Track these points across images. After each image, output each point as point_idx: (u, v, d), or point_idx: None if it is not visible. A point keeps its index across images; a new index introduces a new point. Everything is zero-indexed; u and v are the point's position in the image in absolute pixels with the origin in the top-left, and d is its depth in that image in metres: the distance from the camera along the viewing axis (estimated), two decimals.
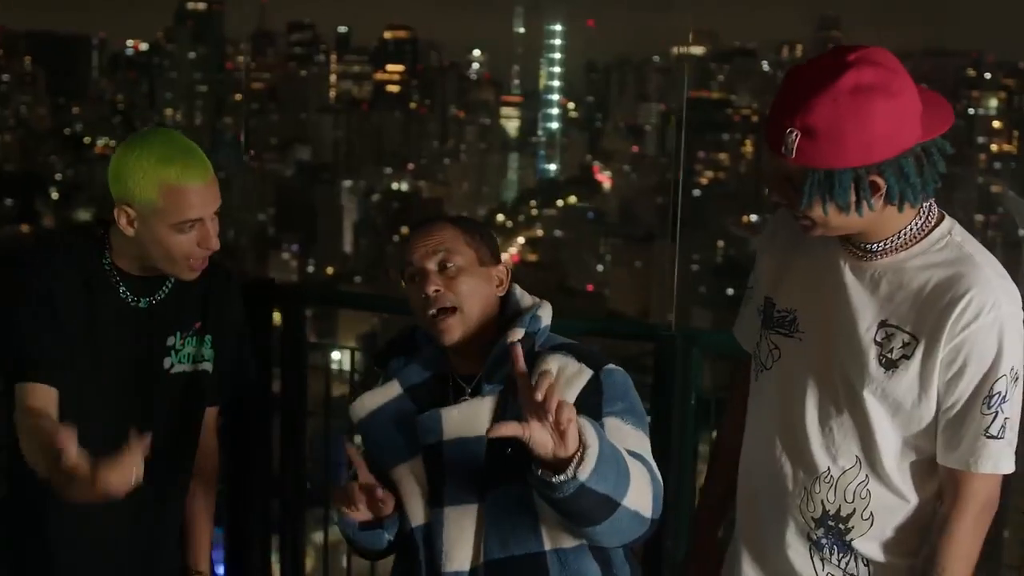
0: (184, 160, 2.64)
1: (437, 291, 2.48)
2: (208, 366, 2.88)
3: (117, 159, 2.66)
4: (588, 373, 2.44)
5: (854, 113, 2.15)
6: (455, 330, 2.48)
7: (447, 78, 69.77)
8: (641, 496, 2.32)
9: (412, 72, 69.38)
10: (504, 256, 2.56)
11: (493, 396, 2.46)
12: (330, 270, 60.61)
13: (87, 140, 64.76)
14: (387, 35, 69.85)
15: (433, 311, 2.49)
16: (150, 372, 2.79)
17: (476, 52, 70.07)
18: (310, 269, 60.75)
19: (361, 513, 2.45)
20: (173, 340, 2.81)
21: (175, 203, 2.64)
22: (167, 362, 2.81)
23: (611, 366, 2.45)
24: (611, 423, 2.41)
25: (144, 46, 67.95)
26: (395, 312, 3.40)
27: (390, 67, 69.46)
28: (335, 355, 3.88)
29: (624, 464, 2.27)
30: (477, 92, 69.65)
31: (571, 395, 2.41)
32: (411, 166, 67.44)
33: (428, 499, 2.48)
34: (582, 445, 2.16)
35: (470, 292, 2.49)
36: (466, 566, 2.44)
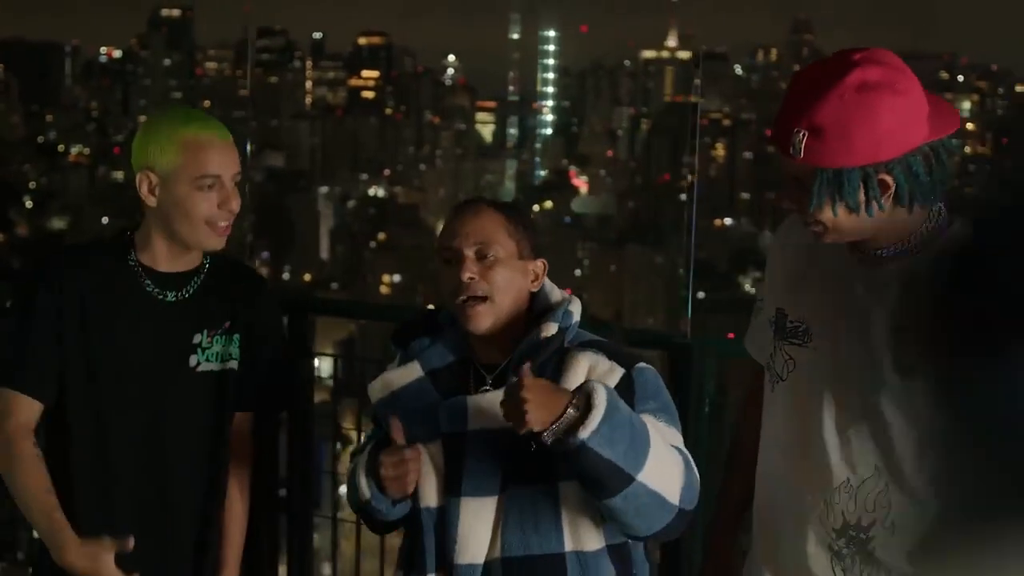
0: (203, 120, 2.71)
1: (472, 279, 2.46)
2: (234, 364, 2.85)
3: (139, 133, 2.72)
4: (620, 371, 2.44)
5: (861, 110, 2.15)
6: (484, 319, 2.47)
7: (422, 84, 70.46)
8: (665, 479, 2.32)
9: (387, 78, 70.15)
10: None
11: None
12: (307, 276, 61.00)
13: (61, 148, 64.87)
14: (361, 41, 70.91)
15: (464, 297, 2.48)
16: (175, 369, 2.79)
17: (451, 58, 71.30)
18: (285, 276, 60.89)
19: (408, 484, 2.43)
20: (200, 337, 2.80)
21: (195, 157, 2.68)
22: (193, 360, 2.80)
23: (642, 364, 2.46)
24: (645, 421, 2.38)
25: (118, 53, 68.22)
26: (388, 319, 3.45)
27: (365, 73, 70.17)
28: (315, 362, 3.77)
29: (643, 438, 2.29)
30: (452, 98, 70.38)
31: None
32: (387, 172, 67.92)
33: (444, 485, 2.47)
34: (588, 406, 2.22)
35: (505, 284, 2.48)
36: (480, 559, 2.43)
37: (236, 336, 2.87)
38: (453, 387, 2.51)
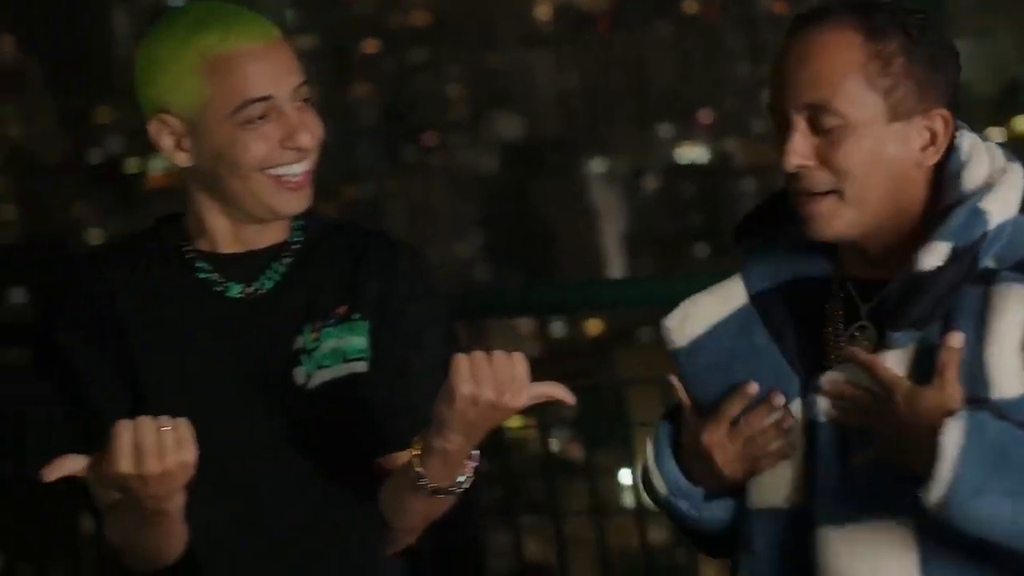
0: (224, 20, 2.60)
1: (804, 166, 2.25)
2: (362, 366, 2.69)
3: (139, 55, 2.64)
4: None
5: None
6: (836, 221, 2.26)
7: None
8: None
9: None
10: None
11: (908, 349, 2.25)
12: (595, 326, 54.44)
13: (131, 166, 59.07)
14: None
15: (799, 191, 2.28)
16: (268, 391, 2.69)
17: None
18: (558, 330, 54.59)
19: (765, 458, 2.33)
20: (302, 340, 2.68)
21: (225, 81, 2.55)
22: (299, 373, 2.67)
23: None
24: None
25: None
26: None
27: None
28: None
29: None
30: None
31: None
32: (706, 116, 62.85)
33: (798, 485, 2.34)
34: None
35: (865, 167, 2.23)
36: None
37: (361, 324, 2.71)
38: (796, 320, 2.35)
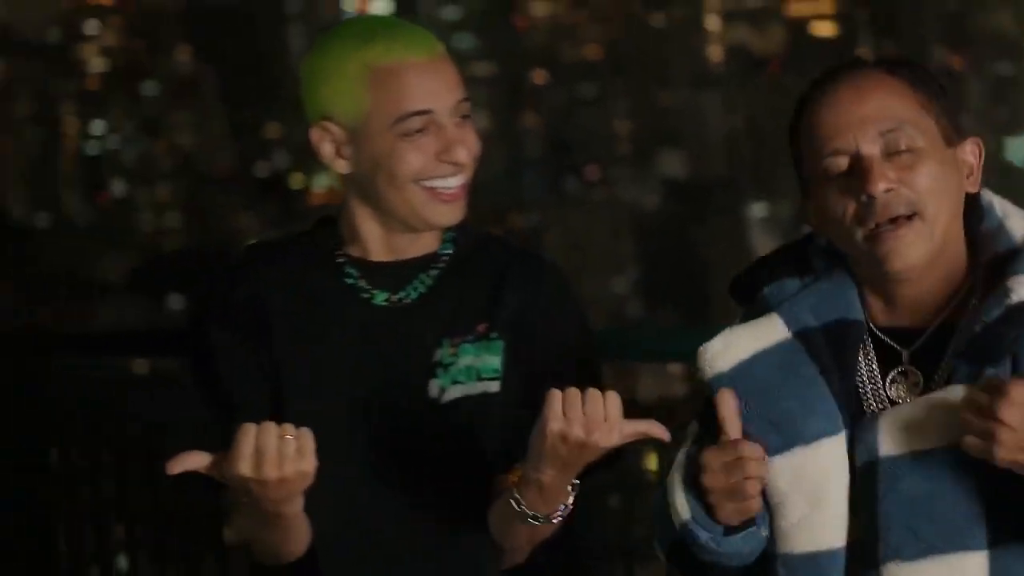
0: (390, 33, 2.63)
1: (890, 189, 2.24)
2: (495, 386, 2.70)
3: (306, 64, 2.65)
4: None
5: None
6: (916, 247, 2.25)
7: (923, 4, 59.65)
8: None
9: None
10: None
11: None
12: None
13: (297, 181, 59.25)
14: None
15: (879, 222, 2.25)
16: (407, 402, 2.69)
17: None
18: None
19: (752, 501, 2.28)
20: (440, 353, 2.70)
21: (387, 92, 2.58)
22: (434, 386, 2.69)
23: None
24: None
25: (381, 5, 61.36)
26: None
27: None
28: None
29: None
30: (986, 16, 58.57)
31: None
32: None
33: (847, 524, 2.29)
34: None
35: (939, 188, 2.26)
36: None
37: (497, 343, 2.72)
38: (837, 361, 2.31)
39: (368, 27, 2.63)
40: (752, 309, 2.38)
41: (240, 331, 2.66)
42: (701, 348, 2.33)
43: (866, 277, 2.30)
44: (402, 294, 2.67)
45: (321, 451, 2.58)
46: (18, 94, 57.97)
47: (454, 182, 2.59)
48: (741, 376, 2.31)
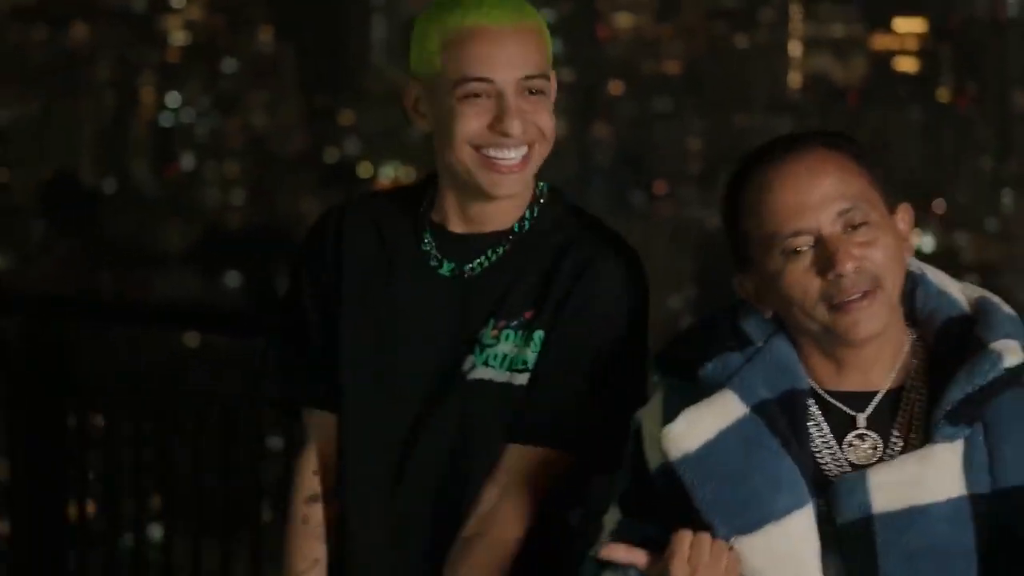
0: (480, 1, 2.66)
1: (858, 267, 2.30)
2: (523, 378, 2.71)
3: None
4: None
5: None
6: (878, 318, 2.32)
7: (1004, 38, 61.03)
8: None
9: (942, 32, 61.88)
10: None
11: (958, 444, 2.31)
12: None
13: (365, 170, 59.26)
14: None
15: (848, 298, 2.31)
16: (439, 371, 2.74)
17: None
18: None
19: None
20: (484, 332, 2.72)
21: (454, 55, 2.63)
22: (468, 361, 2.73)
23: None
24: None
25: None
26: None
27: (901, 24, 62.54)
28: None
29: None
30: None
31: None
32: (940, 206, 61.30)
33: None
34: None
35: (891, 260, 2.33)
36: None
37: (538, 333, 2.71)
38: (794, 431, 2.35)
39: None
40: (694, 386, 2.40)
41: (318, 273, 2.75)
42: (664, 430, 2.35)
43: (816, 345, 2.35)
44: (468, 267, 2.69)
45: (358, 401, 2.70)
46: (99, 60, 58.60)
47: (510, 154, 2.60)
48: (708, 456, 2.34)
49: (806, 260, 2.33)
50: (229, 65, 60.74)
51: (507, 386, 2.71)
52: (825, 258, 2.32)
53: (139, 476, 4.56)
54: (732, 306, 2.46)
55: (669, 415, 2.39)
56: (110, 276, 49.08)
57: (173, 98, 59.11)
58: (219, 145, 58.91)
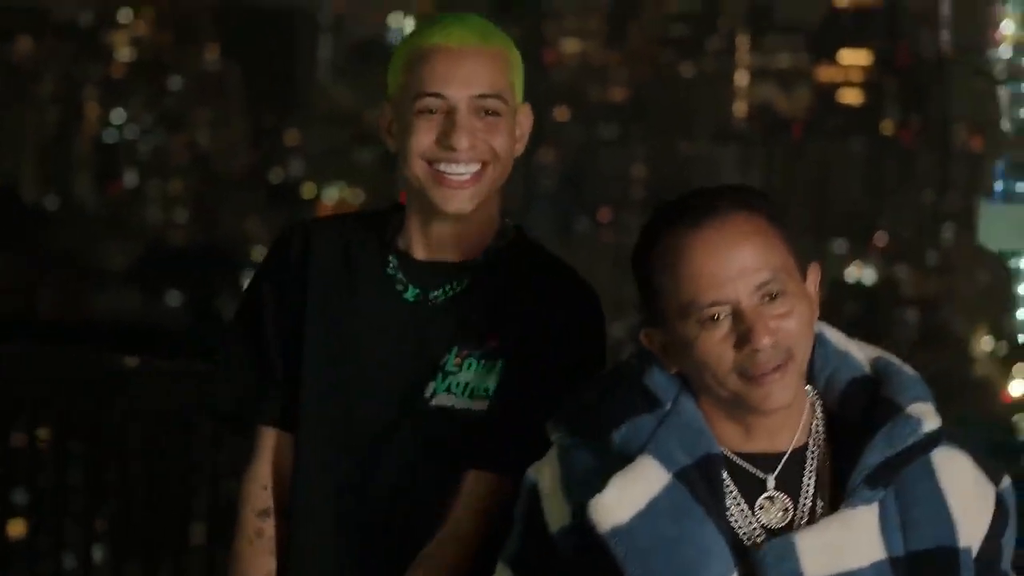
0: (443, 22, 2.77)
1: (774, 342, 2.30)
2: (482, 405, 2.75)
3: None
4: (991, 492, 2.41)
5: None
6: (790, 388, 2.32)
7: (949, 75, 62.05)
8: None
9: (886, 65, 63.71)
10: None
11: (874, 506, 2.34)
12: None
13: (308, 191, 59.28)
14: (839, 2, 65.78)
15: (760, 372, 2.31)
16: (401, 398, 2.78)
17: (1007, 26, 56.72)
18: None
19: None
20: (447, 359, 2.76)
21: (416, 72, 2.70)
22: (430, 388, 2.75)
23: (1007, 477, 2.46)
24: None
25: (411, 23, 63.16)
26: None
27: (846, 56, 64.47)
28: None
29: None
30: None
31: (977, 533, 2.37)
32: (881, 238, 63.82)
33: None
34: None
35: (803, 330, 2.34)
36: None
37: (500, 362, 2.76)
38: (713, 495, 2.36)
39: (436, 18, 2.75)
40: (598, 448, 2.39)
41: (281, 288, 2.75)
42: (593, 501, 2.32)
43: (722, 408, 2.35)
44: (433, 294, 2.72)
45: (317, 419, 2.72)
46: (43, 74, 58.52)
47: (459, 170, 2.62)
48: (640, 528, 2.33)
49: (722, 329, 2.31)
50: (175, 82, 61.04)
51: (467, 412, 2.73)
52: (742, 332, 2.30)
53: (66, 497, 4.56)
54: (635, 359, 2.44)
55: (574, 477, 2.38)
56: (49, 293, 48.99)
57: (118, 114, 59.15)
58: (163, 163, 58.90)
